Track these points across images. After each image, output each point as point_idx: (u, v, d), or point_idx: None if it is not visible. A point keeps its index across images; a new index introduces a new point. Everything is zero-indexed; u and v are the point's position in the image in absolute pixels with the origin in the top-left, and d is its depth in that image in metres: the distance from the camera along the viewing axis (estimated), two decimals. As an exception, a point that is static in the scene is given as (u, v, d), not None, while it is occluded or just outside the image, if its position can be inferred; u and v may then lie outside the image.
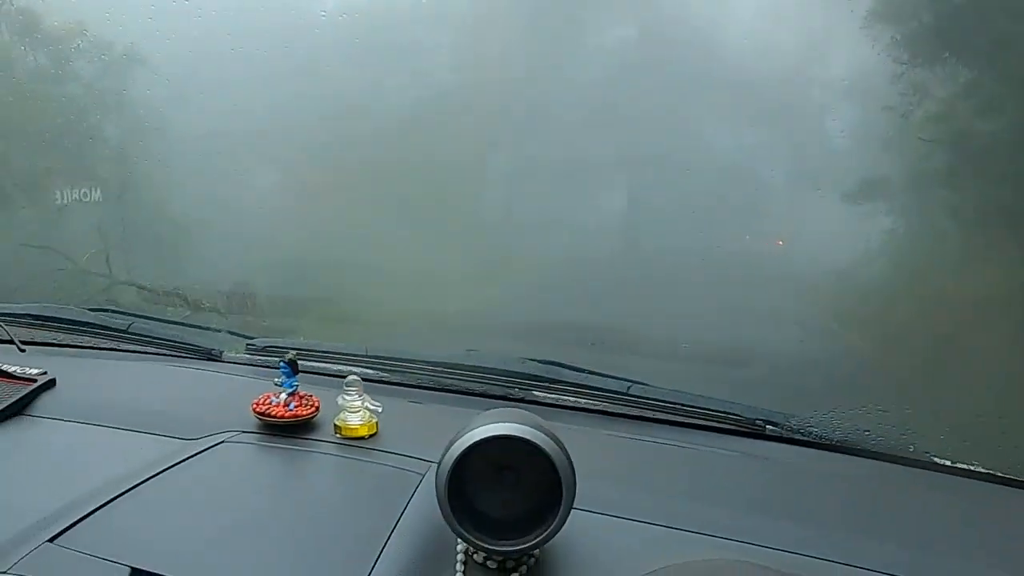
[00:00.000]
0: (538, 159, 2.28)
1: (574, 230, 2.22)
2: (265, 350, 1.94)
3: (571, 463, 1.10)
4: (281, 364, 1.54)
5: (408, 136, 2.29)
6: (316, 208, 2.40)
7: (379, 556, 1.15)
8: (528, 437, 1.09)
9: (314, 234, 2.40)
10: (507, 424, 1.11)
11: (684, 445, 1.59)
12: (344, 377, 1.54)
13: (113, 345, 2.09)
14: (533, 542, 1.09)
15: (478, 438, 1.10)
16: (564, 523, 1.10)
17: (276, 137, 2.38)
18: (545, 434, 1.11)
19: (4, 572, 1.13)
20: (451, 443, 1.12)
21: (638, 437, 1.61)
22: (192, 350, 2.03)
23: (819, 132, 2.00)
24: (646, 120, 2.11)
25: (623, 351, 1.93)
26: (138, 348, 2.07)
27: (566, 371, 1.74)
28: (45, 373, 1.79)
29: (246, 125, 2.37)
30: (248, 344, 1.98)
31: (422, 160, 2.29)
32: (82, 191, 2.41)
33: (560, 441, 1.12)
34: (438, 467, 1.12)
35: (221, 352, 2.02)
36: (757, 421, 1.64)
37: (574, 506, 1.15)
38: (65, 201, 2.42)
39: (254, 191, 2.44)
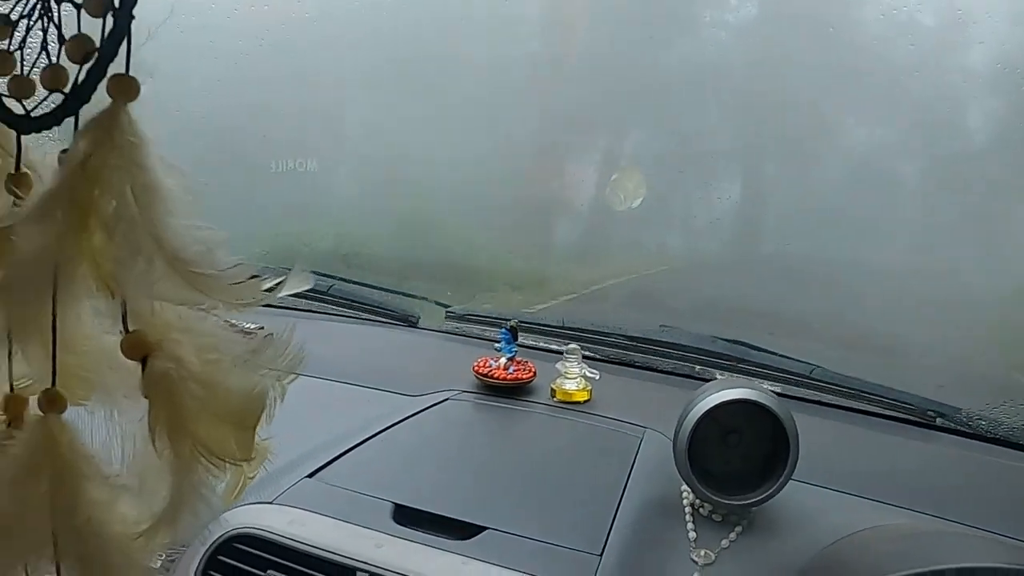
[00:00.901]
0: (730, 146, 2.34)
1: (750, 218, 2.27)
2: (463, 319, 2.05)
3: (796, 426, 1.23)
4: (502, 331, 1.68)
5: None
6: (523, 185, 2.48)
7: (619, 505, 1.27)
8: (760, 400, 1.23)
9: (519, 208, 2.47)
10: (740, 390, 1.25)
11: (862, 429, 1.68)
12: (560, 351, 1.67)
13: (314, 307, 2.21)
14: (759, 497, 1.23)
15: (716, 402, 1.24)
16: (788, 480, 1.22)
17: (485, 101, 2.46)
18: (772, 399, 1.24)
19: (268, 502, 1.25)
20: (688, 407, 1.27)
21: (820, 418, 1.69)
22: (390, 315, 2.14)
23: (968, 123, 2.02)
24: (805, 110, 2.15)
25: (798, 337, 1.96)
26: (338, 311, 2.19)
27: (752, 351, 1.81)
28: (262, 328, 1.92)
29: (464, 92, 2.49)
30: (448, 312, 2.10)
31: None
32: (298, 161, 2.52)
33: (786, 406, 1.24)
34: (677, 429, 1.24)
35: (418, 319, 2.13)
36: (929, 412, 1.70)
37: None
38: (281, 169, 2.53)
39: (466, 163, 2.52)
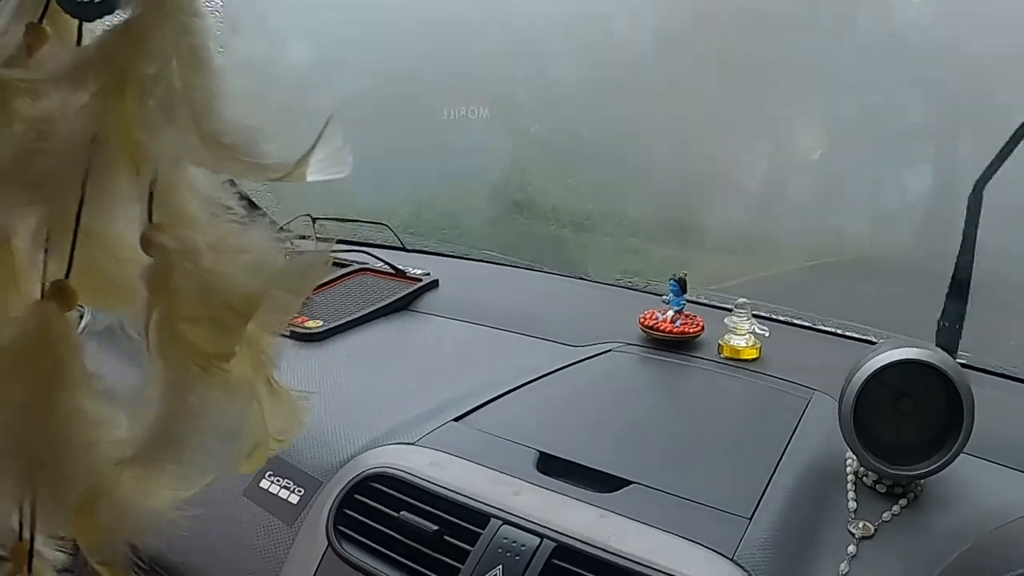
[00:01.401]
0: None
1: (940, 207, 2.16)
2: (630, 273, 1.99)
3: (971, 392, 1.11)
4: (671, 282, 1.60)
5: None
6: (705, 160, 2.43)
7: (776, 468, 1.19)
8: (933, 362, 1.11)
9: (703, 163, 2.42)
10: (911, 350, 1.13)
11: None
12: (729, 307, 1.60)
13: (484, 255, 2.22)
14: (928, 469, 1.12)
15: (884, 362, 1.13)
16: (960, 452, 1.11)
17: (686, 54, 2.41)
18: (947, 361, 1.12)
19: (412, 443, 1.25)
20: (855, 369, 1.16)
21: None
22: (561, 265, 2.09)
23: None
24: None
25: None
26: (508, 259, 2.18)
27: None
28: (428, 274, 1.92)
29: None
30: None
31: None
32: (469, 108, 2.51)
33: (962, 370, 1.13)
34: (843, 392, 1.15)
35: (587, 271, 2.09)
36: None
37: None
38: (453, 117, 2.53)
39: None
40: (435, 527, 1.09)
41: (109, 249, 0.46)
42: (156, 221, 0.43)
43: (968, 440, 1.10)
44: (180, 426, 0.43)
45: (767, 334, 1.55)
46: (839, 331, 1.74)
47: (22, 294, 0.49)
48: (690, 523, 1.06)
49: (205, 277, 0.42)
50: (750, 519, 1.07)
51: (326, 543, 1.15)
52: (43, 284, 0.46)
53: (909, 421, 1.17)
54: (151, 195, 0.43)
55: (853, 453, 1.15)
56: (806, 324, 1.79)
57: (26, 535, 0.45)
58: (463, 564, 1.04)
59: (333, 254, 1.94)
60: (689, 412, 1.39)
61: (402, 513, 1.12)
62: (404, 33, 2.56)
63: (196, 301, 0.42)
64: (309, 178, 0.44)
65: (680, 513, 1.08)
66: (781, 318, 1.79)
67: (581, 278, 2.07)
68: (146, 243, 0.43)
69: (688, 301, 1.63)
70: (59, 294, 0.43)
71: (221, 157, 0.42)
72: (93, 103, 0.40)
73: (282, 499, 1.25)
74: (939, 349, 1.16)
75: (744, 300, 1.55)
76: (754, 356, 1.53)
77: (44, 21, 0.44)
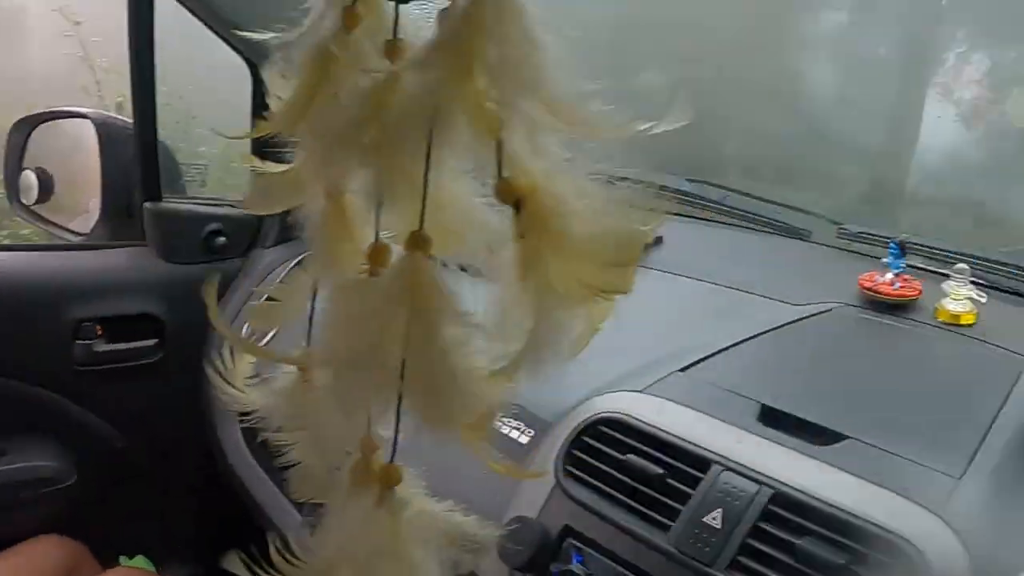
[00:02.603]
0: None
1: None
2: (857, 236, 2.00)
3: None
4: (891, 244, 1.64)
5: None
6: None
7: (988, 431, 1.22)
8: None
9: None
10: None
11: None
12: (947, 273, 1.62)
13: (708, 215, 2.26)
14: None
15: None
16: None
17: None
18: None
19: (639, 391, 1.32)
20: None
21: None
22: (782, 227, 2.14)
23: None
24: None
25: None
26: (731, 220, 2.22)
27: None
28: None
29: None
30: (840, 229, 2.05)
31: None
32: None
33: None
34: None
35: (810, 233, 2.11)
36: None
37: None
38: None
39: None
40: (660, 470, 1.16)
41: (450, 202, 0.56)
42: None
43: None
44: (547, 341, 0.51)
45: (984, 300, 1.57)
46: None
47: (355, 241, 0.61)
48: (904, 479, 1.09)
49: (579, 222, 0.49)
50: (960, 479, 1.10)
51: (554, 481, 1.23)
52: (376, 233, 0.57)
53: None
54: (499, 152, 0.49)
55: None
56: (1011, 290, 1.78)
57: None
58: (684, 506, 1.12)
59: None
60: (904, 372, 1.43)
61: (629, 456, 1.20)
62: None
63: (578, 244, 0.49)
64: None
65: (894, 469, 1.12)
66: (999, 286, 1.78)
67: (801, 238, 2.10)
68: (505, 194, 0.50)
69: (909, 267, 1.67)
70: (418, 242, 0.51)
71: (564, 120, 0.48)
72: (440, 81, 0.47)
73: (513, 439, 1.34)
74: None
75: (963, 266, 1.58)
76: (971, 322, 1.55)
77: (356, 4, 0.53)
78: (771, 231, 2.16)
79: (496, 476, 1.20)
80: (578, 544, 1.16)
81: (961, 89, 2.57)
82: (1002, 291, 1.77)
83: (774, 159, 2.60)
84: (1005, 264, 1.79)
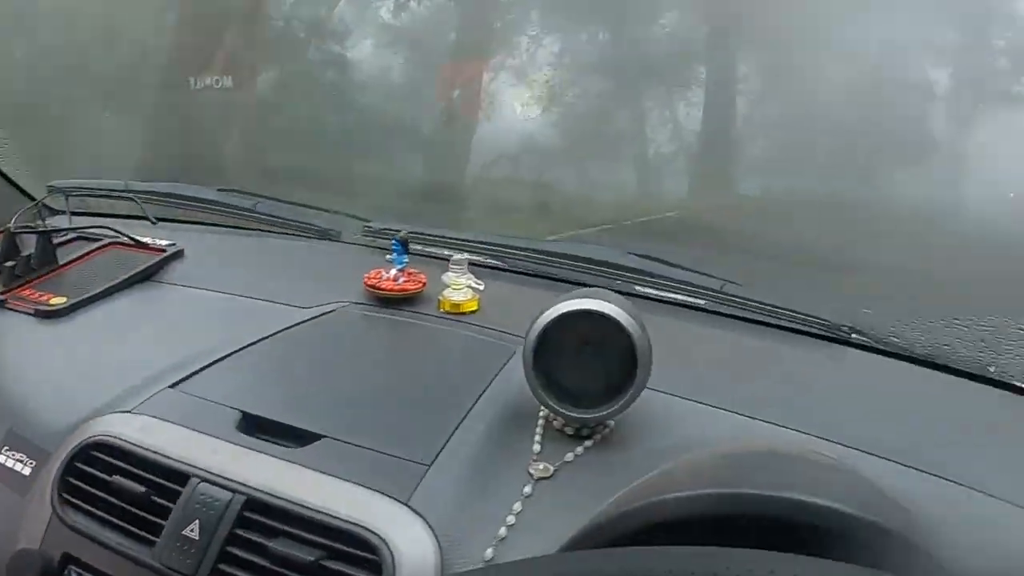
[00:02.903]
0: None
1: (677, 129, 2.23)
2: (382, 232, 2.00)
3: (648, 341, 1.18)
4: (394, 241, 1.63)
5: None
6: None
7: (466, 415, 1.24)
8: (608, 312, 1.17)
9: (434, 122, 2.45)
10: (591, 300, 1.19)
11: (771, 345, 1.63)
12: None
13: (239, 223, 2.19)
14: (607, 412, 1.18)
15: (564, 311, 1.19)
16: (637, 397, 1.18)
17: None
18: (627, 313, 1.18)
19: (128, 411, 1.27)
20: (538, 315, 1.21)
21: (728, 333, 1.66)
22: (312, 230, 2.11)
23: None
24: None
25: (717, 249, 1.93)
26: (262, 227, 2.17)
27: (665, 267, 1.77)
28: (174, 244, 1.91)
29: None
30: (365, 226, 2.05)
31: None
32: (214, 79, 2.50)
33: (641, 321, 1.20)
34: (526, 337, 1.20)
35: (340, 233, 2.10)
36: (843, 328, 1.65)
37: (655, 388, 1.26)
38: (199, 87, 2.50)
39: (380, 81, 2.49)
40: (143, 489, 1.12)
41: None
42: None
43: (641, 389, 1.18)
44: None
45: (482, 287, 1.60)
46: (571, 281, 1.80)
47: None
48: (372, 473, 1.10)
49: None
50: (430, 465, 1.12)
51: (51, 511, 1.18)
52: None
53: (593, 367, 1.22)
54: None
55: (536, 399, 1.20)
56: (538, 273, 1.86)
57: None
58: (166, 521, 1.09)
59: (83, 229, 1.94)
60: (397, 367, 1.43)
61: (115, 477, 1.15)
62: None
63: None
64: None
65: (364, 463, 1.13)
66: (500, 265, 1.87)
67: (330, 239, 2.08)
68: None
69: (430, 256, 1.69)
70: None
71: None
72: None
73: (16, 471, 1.29)
74: (620, 298, 1.22)
75: (460, 256, 1.59)
76: (474, 309, 1.58)
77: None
78: (302, 235, 2.13)
79: (3, 513, 1.09)
80: (78, 570, 1.15)
81: (535, 71, 2.60)
82: (517, 273, 1.87)
83: (316, 159, 2.57)
84: (512, 247, 1.84)
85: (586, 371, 1.22)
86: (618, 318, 1.16)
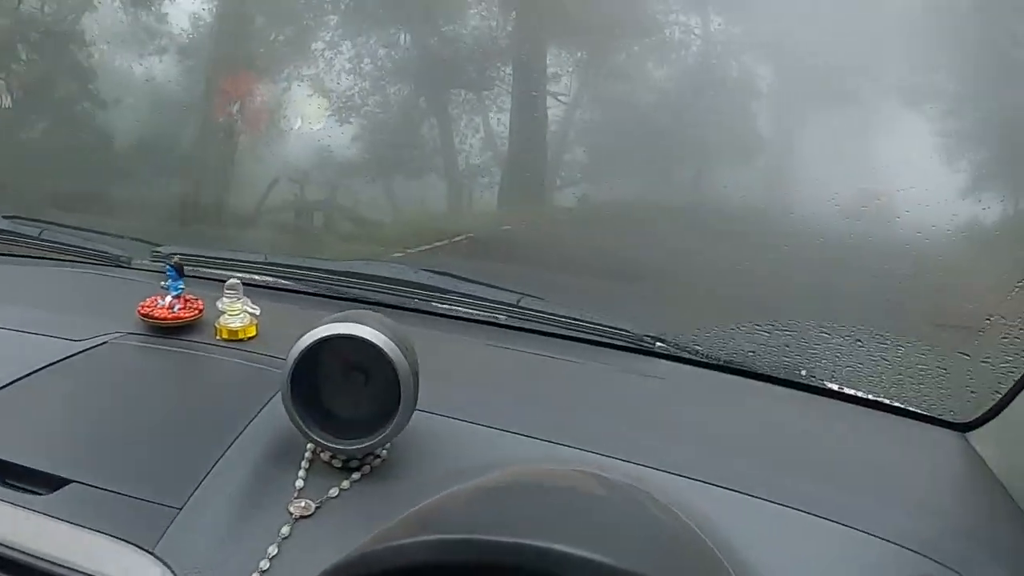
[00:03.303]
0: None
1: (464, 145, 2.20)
2: (170, 257, 1.90)
3: (413, 366, 1.12)
4: (168, 268, 1.54)
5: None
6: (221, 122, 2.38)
7: (226, 451, 1.16)
8: (367, 336, 1.10)
9: (224, 145, 2.38)
10: (350, 324, 1.12)
11: (571, 360, 1.59)
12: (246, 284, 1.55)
13: (25, 252, 2.06)
14: (371, 442, 1.11)
15: (320, 336, 1.12)
16: (404, 426, 1.12)
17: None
18: (392, 337, 1.11)
19: None
20: (295, 340, 1.13)
21: (525, 350, 1.61)
22: (101, 257, 1.99)
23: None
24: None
25: (515, 262, 1.91)
26: (49, 255, 2.04)
27: (460, 282, 1.73)
28: (-48, 277, 1.79)
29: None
30: (153, 251, 1.96)
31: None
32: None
33: (409, 346, 1.13)
34: (284, 364, 1.12)
35: (130, 259, 1.99)
36: (646, 338, 1.63)
37: (436, 411, 1.21)
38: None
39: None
40: None
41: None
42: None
43: (408, 416, 1.12)
44: None
45: (258, 312, 1.51)
46: (368, 301, 1.72)
47: None
48: (118, 519, 1.03)
49: None
50: (181, 508, 1.05)
51: None
52: None
53: (362, 393, 1.16)
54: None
55: (295, 427, 1.13)
56: (312, 291, 1.82)
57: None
58: None
59: None
60: (162, 401, 1.34)
61: None
62: None
63: None
64: None
65: (112, 509, 1.05)
66: (291, 287, 1.81)
67: (121, 266, 1.97)
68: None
69: (213, 280, 1.61)
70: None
71: None
72: None
73: None
74: (385, 320, 1.16)
75: (234, 281, 1.51)
76: (252, 335, 1.50)
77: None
78: (91, 262, 2.00)
79: None
80: None
81: (333, 81, 2.53)
82: (306, 294, 1.81)
83: (99, 182, 2.46)
84: (300, 268, 1.78)
85: (357, 398, 1.16)
86: (376, 341, 1.10)
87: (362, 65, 2.43)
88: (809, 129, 2.10)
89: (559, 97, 2.27)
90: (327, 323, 1.13)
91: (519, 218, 2.10)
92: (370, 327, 1.11)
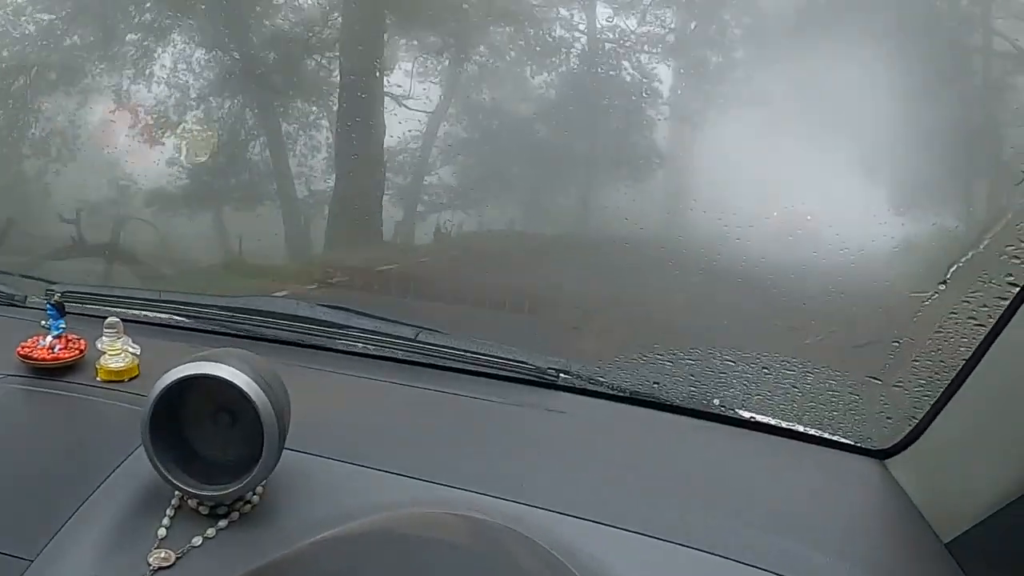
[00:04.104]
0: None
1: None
2: (66, 295, 1.84)
3: (279, 405, 1.07)
4: (48, 306, 1.48)
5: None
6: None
7: (88, 498, 1.11)
8: (226, 376, 1.05)
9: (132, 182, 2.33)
10: (211, 363, 1.07)
11: (470, 395, 1.55)
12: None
13: None
14: (237, 487, 1.06)
15: (179, 376, 1.06)
16: (271, 469, 1.07)
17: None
18: (253, 376, 1.07)
19: None
20: (155, 380, 1.07)
21: (424, 387, 1.57)
22: None
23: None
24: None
25: (412, 295, 1.87)
26: None
27: (356, 316, 1.69)
28: None
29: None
30: (47, 289, 1.87)
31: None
32: None
33: (277, 383, 1.09)
34: (144, 405, 1.07)
35: (25, 297, 1.92)
36: (549, 370, 1.59)
37: (315, 452, 1.18)
38: None
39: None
40: None
41: None
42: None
43: (273, 461, 1.07)
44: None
45: (139, 351, 1.46)
46: (263, 338, 1.69)
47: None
48: None
49: None
50: (33, 560, 1.01)
51: None
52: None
53: (231, 436, 1.11)
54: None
55: (156, 472, 1.07)
56: (206, 328, 1.76)
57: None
58: None
59: None
60: (29, 446, 1.28)
61: None
62: None
63: None
64: None
65: None
66: (185, 324, 1.76)
67: (14, 304, 1.90)
68: None
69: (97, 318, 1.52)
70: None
71: None
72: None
73: None
74: (254, 358, 1.11)
75: (114, 319, 1.45)
76: (135, 374, 1.45)
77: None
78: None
79: None
80: None
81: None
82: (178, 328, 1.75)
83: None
84: (192, 304, 1.74)
85: (224, 440, 1.11)
86: (236, 381, 1.05)
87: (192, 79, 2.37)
88: (707, 143, 2.07)
89: (405, 103, 2.18)
90: (188, 362, 1.08)
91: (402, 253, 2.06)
92: (230, 366, 1.06)
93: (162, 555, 1.02)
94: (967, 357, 1.22)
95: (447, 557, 0.93)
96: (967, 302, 1.27)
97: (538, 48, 1.99)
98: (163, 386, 1.06)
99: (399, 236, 2.09)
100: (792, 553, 1.11)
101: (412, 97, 2.16)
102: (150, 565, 1.01)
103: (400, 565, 0.89)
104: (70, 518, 1.07)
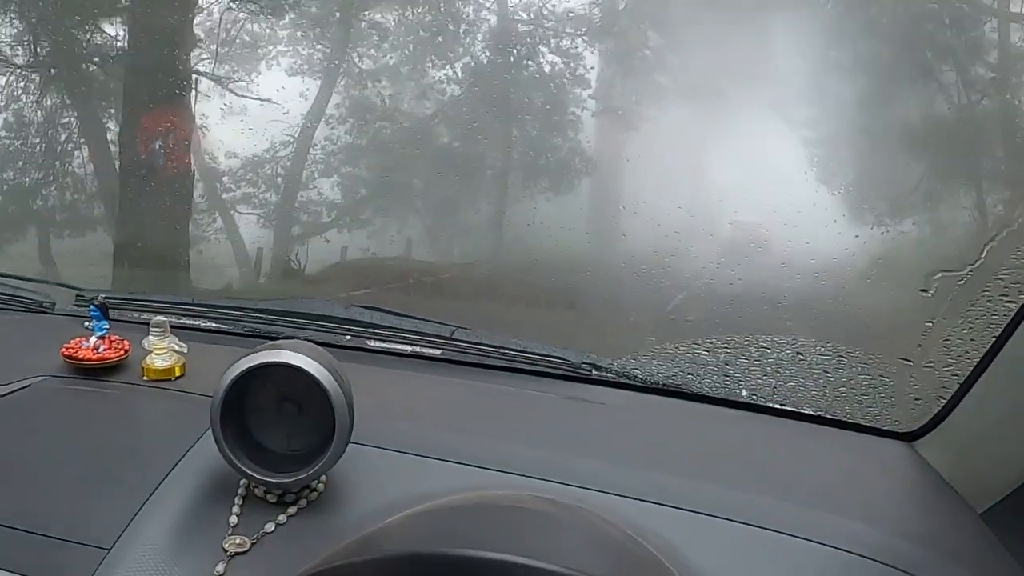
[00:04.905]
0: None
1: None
2: (95, 298, 1.87)
3: (348, 395, 1.09)
4: (92, 308, 1.51)
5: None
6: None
7: (155, 489, 1.13)
8: (299, 364, 1.08)
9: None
10: (280, 352, 1.10)
11: (508, 389, 1.58)
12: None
13: None
14: (306, 475, 1.08)
15: (249, 365, 1.09)
16: (338, 458, 1.09)
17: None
18: (322, 364, 1.09)
19: None
20: (224, 371, 1.10)
21: (462, 381, 1.61)
22: (25, 304, 1.95)
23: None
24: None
25: (444, 295, 1.90)
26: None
27: (391, 317, 1.72)
28: None
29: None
30: (78, 295, 1.91)
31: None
32: None
33: (343, 377, 1.11)
34: (212, 397, 1.10)
35: (53, 304, 1.95)
36: (583, 365, 1.62)
37: (373, 443, 1.19)
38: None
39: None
40: None
41: None
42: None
43: (343, 447, 1.09)
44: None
45: (185, 349, 1.48)
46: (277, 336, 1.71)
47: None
48: (46, 562, 1.01)
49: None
50: (110, 549, 1.02)
51: None
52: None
53: (296, 425, 1.13)
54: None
55: (226, 462, 1.10)
56: (239, 332, 1.78)
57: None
58: None
59: None
60: (88, 442, 1.30)
61: None
62: None
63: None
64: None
65: (38, 552, 1.03)
66: (218, 328, 1.78)
67: (43, 312, 1.92)
68: None
69: (137, 322, 1.58)
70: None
71: None
72: None
73: None
74: (318, 349, 1.14)
75: (160, 319, 1.48)
76: (180, 374, 1.47)
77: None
78: (13, 309, 1.95)
79: None
80: None
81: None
82: (213, 332, 1.77)
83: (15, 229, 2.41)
84: (227, 307, 1.76)
85: (291, 430, 1.14)
86: (309, 369, 1.07)
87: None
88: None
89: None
90: (257, 352, 1.10)
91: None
92: (303, 355, 1.09)
93: (237, 541, 1.04)
94: (997, 335, 1.25)
95: (541, 524, 0.95)
96: (1000, 279, 1.30)
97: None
98: (235, 374, 1.08)
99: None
100: (839, 526, 1.14)
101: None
102: (226, 551, 1.03)
103: (498, 529, 0.92)
104: (140, 509, 1.09)
